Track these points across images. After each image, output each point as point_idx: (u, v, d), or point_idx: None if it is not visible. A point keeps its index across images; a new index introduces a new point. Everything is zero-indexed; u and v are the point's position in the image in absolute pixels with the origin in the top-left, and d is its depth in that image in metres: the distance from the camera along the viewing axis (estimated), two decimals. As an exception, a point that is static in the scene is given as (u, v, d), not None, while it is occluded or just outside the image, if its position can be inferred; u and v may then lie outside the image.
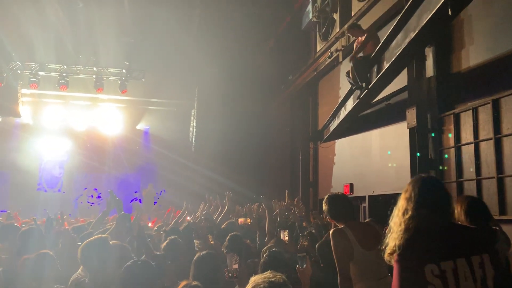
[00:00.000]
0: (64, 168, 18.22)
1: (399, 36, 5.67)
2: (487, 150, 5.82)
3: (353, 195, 10.17)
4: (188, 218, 9.87)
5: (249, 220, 5.11)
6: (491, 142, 5.70)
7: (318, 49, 11.71)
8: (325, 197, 3.19)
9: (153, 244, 4.44)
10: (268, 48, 15.39)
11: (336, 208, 3.07)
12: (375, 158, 9.55)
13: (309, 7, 12.41)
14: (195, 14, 13.74)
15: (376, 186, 9.34)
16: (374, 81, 6.63)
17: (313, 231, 5.14)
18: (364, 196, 9.74)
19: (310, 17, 11.97)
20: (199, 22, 14.05)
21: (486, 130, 5.86)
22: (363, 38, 6.88)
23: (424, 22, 4.69)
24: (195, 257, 3.27)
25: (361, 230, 2.96)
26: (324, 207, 3.16)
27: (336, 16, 10.64)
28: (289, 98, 14.36)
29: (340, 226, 3.01)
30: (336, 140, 11.37)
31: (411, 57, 6.77)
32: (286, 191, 8.36)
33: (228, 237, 4.15)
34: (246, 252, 4.07)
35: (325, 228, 5.35)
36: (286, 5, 13.49)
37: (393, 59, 5.78)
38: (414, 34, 5.06)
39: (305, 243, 4.40)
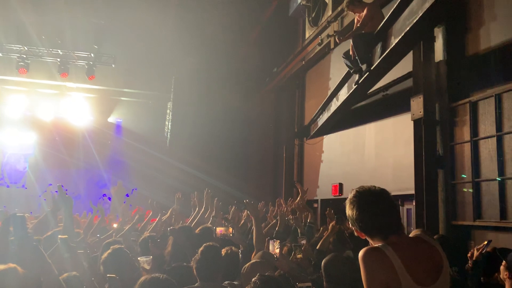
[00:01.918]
0: (29, 162, 16.89)
1: (415, 2, 4.67)
2: (514, 144, 4.87)
3: (342, 197, 9.18)
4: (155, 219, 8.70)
5: (230, 230, 3.95)
6: (520, 134, 4.75)
7: (307, 36, 10.73)
8: (351, 195, 1.93)
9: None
10: (252, 37, 14.33)
11: (370, 214, 1.83)
12: (369, 155, 8.58)
13: (298, -10, 11.42)
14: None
15: (369, 186, 8.35)
16: (378, 61, 5.62)
17: (304, 242, 4.09)
18: (356, 198, 8.73)
19: (299, 1, 10.97)
20: (177, 5, 12.91)
21: (512, 121, 4.91)
22: (365, 12, 5.87)
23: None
24: (141, 280, 2.18)
25: (411, 251, 1.79)
26: (349, 211, 1.90)
27: (328, -1, 9.67)
28: (274, 91, 13.33)
29: (376, 244, 1.83)
30: (324, 136, 10.39)
31: (418, 38, 5.83)
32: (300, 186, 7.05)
33: (201, 249, 3.01)
34: (228, 270, 2.99)
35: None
36: (273, -11, 12.46)
37: (406, 30, 4.77)
38: (437, -5, 4.08)
39: (299, 256, 3.35)
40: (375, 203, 1.86)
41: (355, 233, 1.88)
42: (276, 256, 2.95)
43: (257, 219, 3.79)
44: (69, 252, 2.44)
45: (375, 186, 1.87)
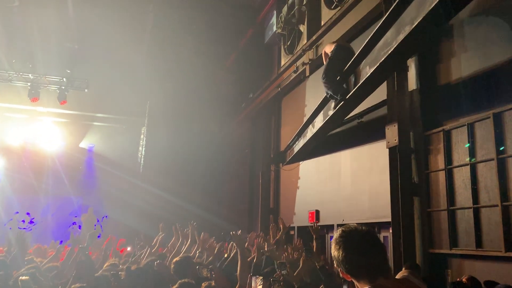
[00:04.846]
0: (-4, 188, 16.19)
1: (389, 33, 4.76)
2: (487, 172, 4.94)
3: (319, 224, 9.10)
4: (129, 249, 8.46)
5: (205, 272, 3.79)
6: (493, 163, 4.82)
7: (282, 63, 10.82)
8: (337, 234, 1.83)
9: None
10: (228, 63, 14.40)
11: (356, 255, 1.74)
12: (345, 182, 8.57)
13: (273, 19, 11.59)
14: (148, 22, 12.57)
15: (346, 214, 8.33)
16: (353, 91, 5.67)
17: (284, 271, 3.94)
18: (332, 225, 8.70)
19: (275, 29, 11.12)
20: (152, 31, 12.90)
21: (485, 150, 4.99)
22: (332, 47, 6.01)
23: (430, 8, 3.77)
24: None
25: None
26: (335, 252, 1.80)
27: (303, 28, 9.82)
28: (250, 117, 13.32)
29: (362, 287, 1.74)
30: (300, 162, 10.36)
31: (393, 68, 5.93)
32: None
33: (175, 286, 2.90)
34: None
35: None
36: (249, 17, 12.60)
37: (382, 60, 4.84)
38: (412, 28, 4.15)
39: (278, 292, 3.22)
40: (362, 243, 1.77)
41: (340, 275, 1.79)
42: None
43: (243, 252, 3.66)
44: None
45: (361, 226, 1.80)
